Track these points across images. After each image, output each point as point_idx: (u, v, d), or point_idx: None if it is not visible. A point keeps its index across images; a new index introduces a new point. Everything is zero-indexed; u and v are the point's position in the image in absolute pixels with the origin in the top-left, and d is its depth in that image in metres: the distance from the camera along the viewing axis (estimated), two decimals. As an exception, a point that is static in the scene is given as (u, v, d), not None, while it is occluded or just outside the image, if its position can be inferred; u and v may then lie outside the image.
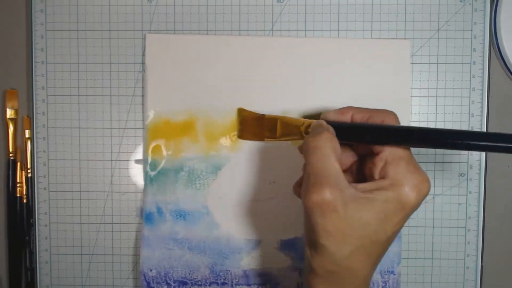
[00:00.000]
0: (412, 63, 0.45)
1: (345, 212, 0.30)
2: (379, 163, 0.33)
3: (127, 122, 0.46)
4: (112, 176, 0.46)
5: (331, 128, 0.35)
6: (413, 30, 0.45)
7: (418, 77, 0.45)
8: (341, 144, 0.34)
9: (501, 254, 0.47)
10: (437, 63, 0.45)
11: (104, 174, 0.46)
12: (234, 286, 0.46)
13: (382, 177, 0.33)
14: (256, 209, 0.45)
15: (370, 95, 0.44)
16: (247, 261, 0.46)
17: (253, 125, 0.44)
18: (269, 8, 0.45)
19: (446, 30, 0.45)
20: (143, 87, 0.46)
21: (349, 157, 0.37)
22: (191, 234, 0.45)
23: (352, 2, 0.45)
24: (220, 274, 0.46)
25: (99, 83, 0.46)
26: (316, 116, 0.42)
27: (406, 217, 0.32)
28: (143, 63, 0.46)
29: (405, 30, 0.45)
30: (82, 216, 0.47)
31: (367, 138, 0.34)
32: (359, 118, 0.36)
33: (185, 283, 0.46)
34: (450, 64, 0.45)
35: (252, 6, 0.45)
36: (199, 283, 0.46)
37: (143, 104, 0.46)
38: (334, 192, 0.30)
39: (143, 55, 0.45)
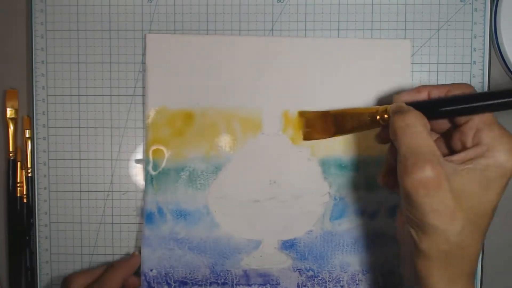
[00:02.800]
0: (412, 63, 0.45)
1: (449, 186, 0.30)
2: (469, 132, 0.33)
3: (127, 122, 0.46)
4: (112, 176, 0.46)
5: (412, 108, 0.34)
6: (413, 30, 0.45)
7: (418, 77, 0.45)
8: None
9: (501, 254, 0.47)
10: (437, 63, 0.45)
11: (104, 174, 0.46)
12: (234, 286, 0.46)
13: (476, 144, 0.32)
14: (257, 209, 0.45)
15: (371, 95, 0.44)
16: (247, 261, 0.46)
17: (318, 124, 0.43)
18: (269, 8, 0.45)
19: (446, 30, 0.45)
20: (143, 87, 0.46)
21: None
22: (191, 234, 0.45)
23: (352, 2, 0.45)
24: (221, 274, 0.46)
25: (99, 83, 0.46)
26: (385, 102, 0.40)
27: (507, 182, 0.32)
28: (143, 63, 0.46)
29: (405, 30, 0.45)
30: (82, 216, 0.47)
31: (458, 110, 0.33)
32: (437, 95, 0.35)
33: (185, 283, 0.46)
34: (450, 64, 0.45)
35: (252, 6, 0.45)
36: (200, 283, 0.46)
37: (143, 104, 0.46)
38: (436, 168, 0.30)
39: (143, 55, 0.45)
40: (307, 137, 0.44)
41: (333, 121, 0.42)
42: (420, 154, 0.30)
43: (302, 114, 0.44)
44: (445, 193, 0.30)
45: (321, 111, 0.43)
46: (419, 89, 0.35)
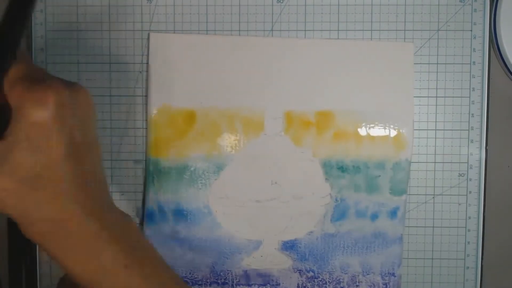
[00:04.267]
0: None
1: None
2: None
3: (127, 122, 0.46)
4: (112, 176, 0.46)
5: None
6: (413, 30, 0.45)
7: (418, 77, 0.45)
8: None
9: (501, 254, 0.47)
10: (437, 63, 0.45)
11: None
12: (234, 286, 0.46)
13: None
14: (258, 209, 0.45)
15: (372, 97, 0.44)
16: (248, 261, 0.46)
17: None
18: (269, 8, 0.45)
19: (446, 30, 0.45)
20: (146, 87, 0.46)
21: None
22: (192, 234, 0.45)
23: (352, 2, 0.45)
24: (221, 274, 0.46)
25: (99, 83, 0.46)
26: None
27: None
28: (143, 63, 0.45)
29: (405, 30, 0.45)
30: (82, 216, 0.46)
31: None
32: None
33: (185, 283, 0.46)
34: (450, 64, 0.45)
35: (252, 6, 0.45)
36: (200, 282, 0.46)
37: (146, 103, 0.45)
38: None
39: (143, 55, 0.45)
40: None
41: None
42: None
43: None
44: None
45: None
46: None
